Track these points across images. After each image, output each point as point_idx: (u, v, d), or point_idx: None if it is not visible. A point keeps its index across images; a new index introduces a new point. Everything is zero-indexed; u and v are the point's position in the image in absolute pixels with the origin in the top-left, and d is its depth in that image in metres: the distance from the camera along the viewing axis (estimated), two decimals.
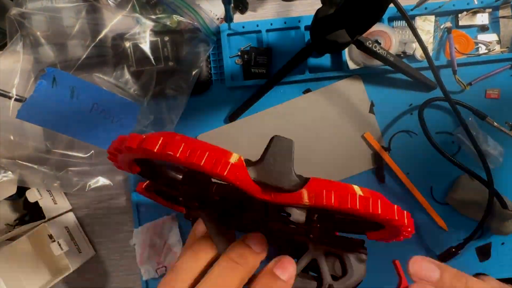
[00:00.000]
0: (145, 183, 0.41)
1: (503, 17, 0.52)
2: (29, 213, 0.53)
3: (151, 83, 0.48)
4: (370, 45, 0.46)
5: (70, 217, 0.54)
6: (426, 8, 0.51)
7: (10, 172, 0.43)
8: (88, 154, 0.45)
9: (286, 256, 0.29)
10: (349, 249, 0.32)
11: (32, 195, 0.49)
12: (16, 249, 0.49)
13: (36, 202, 0.49)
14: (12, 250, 0.48)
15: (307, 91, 0.53)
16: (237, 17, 0.55)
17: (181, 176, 0.35)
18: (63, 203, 0.54)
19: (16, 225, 0.52)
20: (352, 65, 0.52)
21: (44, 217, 0.49)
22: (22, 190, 0.49)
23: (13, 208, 0.54)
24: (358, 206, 0.24)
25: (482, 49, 0.52)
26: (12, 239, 0.50)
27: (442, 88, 0.47)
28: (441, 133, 0.52)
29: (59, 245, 0.48)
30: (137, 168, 0.32)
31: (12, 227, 0.51)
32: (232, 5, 0.47)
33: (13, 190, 0.47)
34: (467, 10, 0.52)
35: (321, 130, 0.53)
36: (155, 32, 0.47)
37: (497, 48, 0.52)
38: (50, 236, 0.48)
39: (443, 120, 0.53)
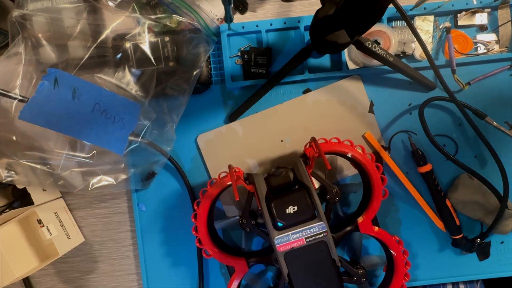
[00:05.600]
0: None
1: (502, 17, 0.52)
2: (17, 200, 0.53)
3: (152, 83, 0.48)
4: (370, 45, 0.46)
5: (60, 203, 0.54)
6: (425, 8, 0.51)
7: (13, 172, 0.44)
8: (90, 154, 0.45)
9: None
10: None
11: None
12: (4, 233, 0.48)
13: (24, 189, 0.49)
14: (0, 235, 0.48)
15: (307, 91, 0.53)
16: (237, 18, 0.55)
17: None
18: (53, 190, 0.54)
19: (5, 211, 0.51)
20: (351, 65, 0.52)
21: (32, 203, 0.49)
22: None
23: (1, 195, 0.53)
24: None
25: (481, 49, 0.52)
26: (1, 225, 0.50)
27: (446, 88, 0.47)
28: (440, 135, 0.53)
29: (48, 230, 0.48)
30: None
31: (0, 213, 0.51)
32: (232, 5, 0.47)
33: None
34: (466, 10, 0.52)
35: (321, 130, 0.53)
36: (156, 33, 0.48)
37: (496, 48, 0.52)
38: (39, 221, 0.48)
39: (442, 119, 0.53)
